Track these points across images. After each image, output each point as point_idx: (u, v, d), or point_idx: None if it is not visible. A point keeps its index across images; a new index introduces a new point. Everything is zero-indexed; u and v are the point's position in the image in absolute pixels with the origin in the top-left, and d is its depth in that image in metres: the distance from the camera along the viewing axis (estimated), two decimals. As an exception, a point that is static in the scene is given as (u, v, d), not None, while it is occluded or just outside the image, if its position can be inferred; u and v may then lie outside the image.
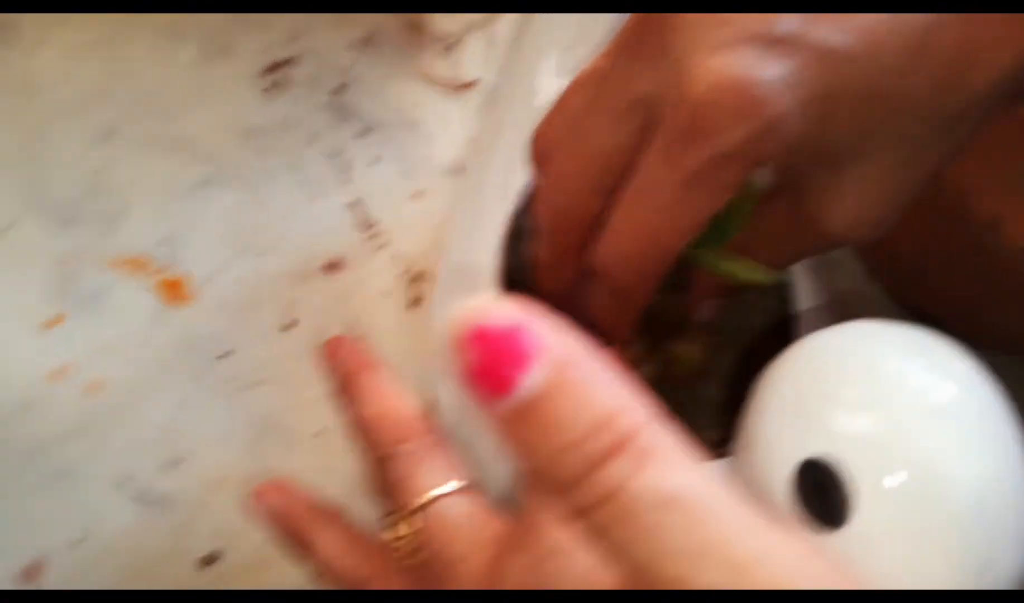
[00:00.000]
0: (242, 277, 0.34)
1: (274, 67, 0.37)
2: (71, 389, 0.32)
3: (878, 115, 0.19)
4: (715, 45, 0.19)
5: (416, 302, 0.34)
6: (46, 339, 0.32)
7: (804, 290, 0.28)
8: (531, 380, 0.13)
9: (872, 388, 0.17)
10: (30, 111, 0.34)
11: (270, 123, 0.36)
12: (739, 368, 0.27)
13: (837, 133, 0.19)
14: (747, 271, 0.22)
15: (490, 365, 0.13)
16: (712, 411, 0.27)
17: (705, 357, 0.26)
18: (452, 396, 0.28)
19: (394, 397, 0.25)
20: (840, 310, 0.28)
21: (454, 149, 0.37)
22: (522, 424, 0.13)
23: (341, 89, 0.37)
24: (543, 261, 0.24)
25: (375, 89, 0.37)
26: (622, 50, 0.21)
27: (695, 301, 0.26)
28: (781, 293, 0.28)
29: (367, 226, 0.35)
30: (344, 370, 0.26)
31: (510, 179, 0.25)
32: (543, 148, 0.23)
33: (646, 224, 0.20)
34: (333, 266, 0.34)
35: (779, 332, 0.27)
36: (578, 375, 0.13)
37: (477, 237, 0.27)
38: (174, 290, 0.33)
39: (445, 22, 0.39)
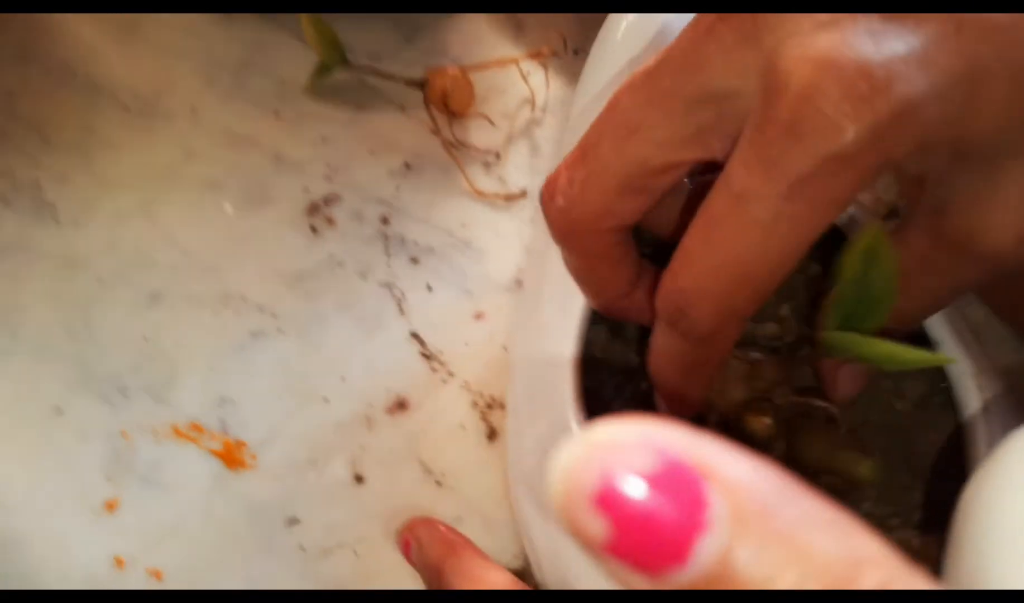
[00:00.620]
0: (303, 432, 0.31)
1: (315, 207, 0.35)
2: (135, 575, 0.29)
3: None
4: (822, 21, 0.15)
5: (494, 434, 0.31)
6: (105, 524, 0.30)
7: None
8: (712, 544, 0.09)
9: None
10: (75, 288, 0.33)
11: (317, 264, 0.34)
12: (909, 479, 0.23)
13: (989, 122, 0.15)
14: (915, 355, 0.17)
15: (640, 534, 0.09)
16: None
17: (871, 466, 0.22)
18: (549, 540, 0.24)
19: (483, 575, 0.21)
20: (999, 376, 0.24)
21: (510, 264, 0.35)
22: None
23: (386, 219, 0.35)
24: (582, 283, 0.20)
25: (421, 214, 0.36)
26: (693, 33, 0.16)
27: (829, 372, 0.21)
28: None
29: (430, 357, 0.33)
30: (426, 562, 0.23)
31: (569, 288, 0.22)
32: (581, 148, 0.18)
33: (731, 249, 0.16)
34: (399, 406, 0.32)
35: (949, 436, 0.22)
36: (779, 521, 0.09)
37: (544, 353, 0.24)
38: (232, 456, 0.31)
39: (484, 137, 0.37)
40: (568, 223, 0.18)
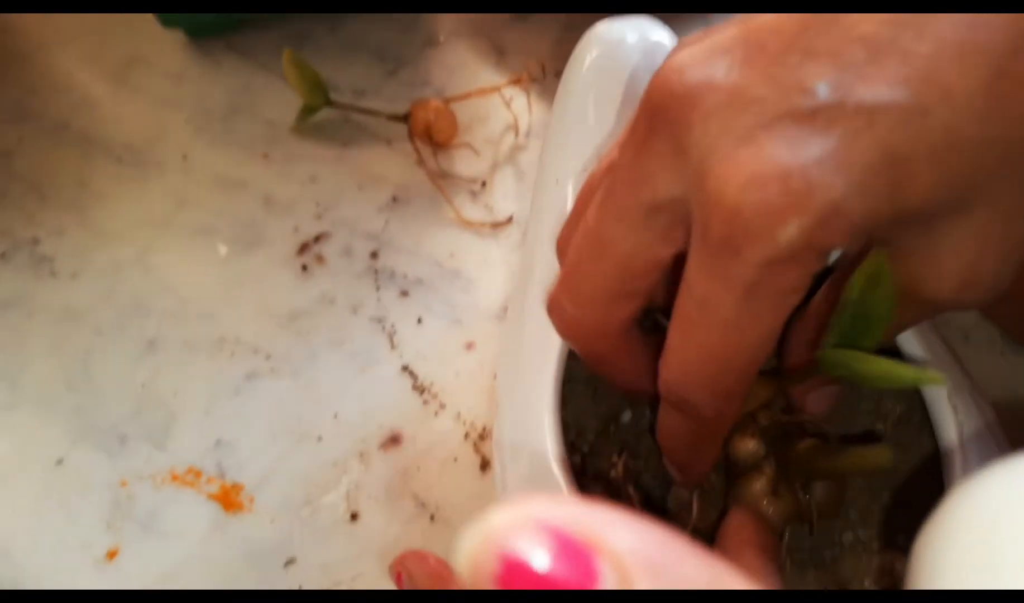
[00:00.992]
0: (298, 472, 0.31)
1: (306, 246, 0.36)
2: (137, 625, 0.29)
3: (968, 167, 0.16)
4: (739, 136, 0.16)
5: (486, 465, 0.31)
6: (107, 573, 0.30)
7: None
8: None
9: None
10: (73, 338, 0.34)
11: (310, 302, 0.35)
12: (887, 506, 0.23)
13: (919, 196, 0.16)
14: (910, 373, 0.17)
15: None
16: (854, 557, 0.22)
17: (837, 487, 0.22)
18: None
19: None
20: (980, 393, 0.23)
21: (499, 291, 0.35)
22: None
23: (376, 254, 0.36)
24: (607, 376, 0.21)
25: (410, 246, 0.36)
26: (634, 146, 0.18)
27: (801, 393, 0.22)
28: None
29: (422, 390, 0.33)
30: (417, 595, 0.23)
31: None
32: (563, 261, 0.20)
33: (707, 346, 0.17)
34: (392, 441, 0.32)
35: (927, 461, 0.22)
36: (664, 582, 0.10)
37: (529, 384, 0.24)
38: (230, 499, 0.31)
39: (469, 165, 0.38)
40: (574, 336, 0.20)
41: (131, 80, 0.40)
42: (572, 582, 0.10)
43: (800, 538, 0.23)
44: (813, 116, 0.15)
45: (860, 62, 0.15)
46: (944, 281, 0.17)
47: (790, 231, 0.15)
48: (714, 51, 0.17)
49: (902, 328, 0.19)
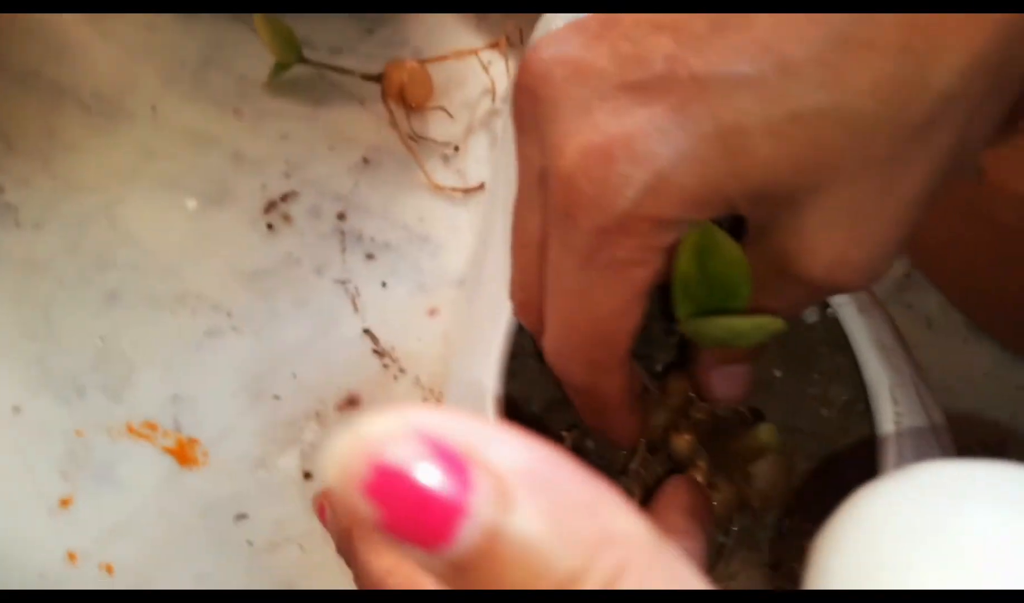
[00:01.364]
0: (255, 429, 0.31)
1: (273, 204, 0.36)
2: (88, 570, 0.30)
3: (811, 140, 0.15)
4: (578, 107, 0.16)
5: (439, 430, 0.31)
6: (60, 520, 0.30)
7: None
8: (476, 523, 0.09)
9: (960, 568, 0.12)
10: (34, 289, 0.34)
11: (274, 262, 0.34)
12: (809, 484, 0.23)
13: (761, 169, 0.16)
14: (753, 327, 0.18)
15: (408, 516, 0.10)
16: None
17: (769, 429, 0.22)
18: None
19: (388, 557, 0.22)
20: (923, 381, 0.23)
21: (467, 258, 0.34)
22: (470, 575, 0.10)
23: (343, 215, 0.35)
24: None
25: (379, 209, 0.36)
26: (516, 125, 0.19)
27: (704, 377, 0.22)
28: (853, 367, 0.23)
29: (382, 354, 0.33)
30: (338, 527, 0.23)
31: (501, 296, 0.22)
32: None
33: (564, 314, 0.18)
34: (350, 403, 0.32)
35: (863, 442, 0.22)
36: (541, 500, 0.10)
37: (478, 354, 0.24)
38: (185, 453, 0.31)
39: (443, 129, 0.37)
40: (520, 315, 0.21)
41: (103, 27, 0.39)
42: (445, 494, 0.09)
43: (744, 526, 0.23)
44: (646, 87, 0.16)
45: (701, 34, 0.15)
46: (815, 260, 0.17)
47: (617, 200, 0.16)
48: (573, 28, 0.17)
49: (794, 307, 0.19)
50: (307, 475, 0.31)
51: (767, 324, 0.17)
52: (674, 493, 0.21)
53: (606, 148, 0.16)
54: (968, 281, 0.30)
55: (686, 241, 0.17)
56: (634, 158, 0.15)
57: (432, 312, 0.34)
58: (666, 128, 0.15)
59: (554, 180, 0.17)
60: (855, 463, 0.23)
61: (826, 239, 0.16)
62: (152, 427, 0.32)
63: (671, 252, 0.17)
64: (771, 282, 0.18)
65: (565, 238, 0.17)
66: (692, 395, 0.23)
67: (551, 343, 0.19)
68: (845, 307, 0.24)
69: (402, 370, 0.32)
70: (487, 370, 0.23)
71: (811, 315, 0.25)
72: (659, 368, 0.24)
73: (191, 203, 0.36)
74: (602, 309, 0.17)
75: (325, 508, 0.23)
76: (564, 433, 0.24)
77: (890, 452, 0.21)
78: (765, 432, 0.21)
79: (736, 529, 0.23)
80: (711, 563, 0.23)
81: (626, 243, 0.16)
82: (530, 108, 0.17)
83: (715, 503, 0.22)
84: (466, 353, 0.25)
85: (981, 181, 0.24)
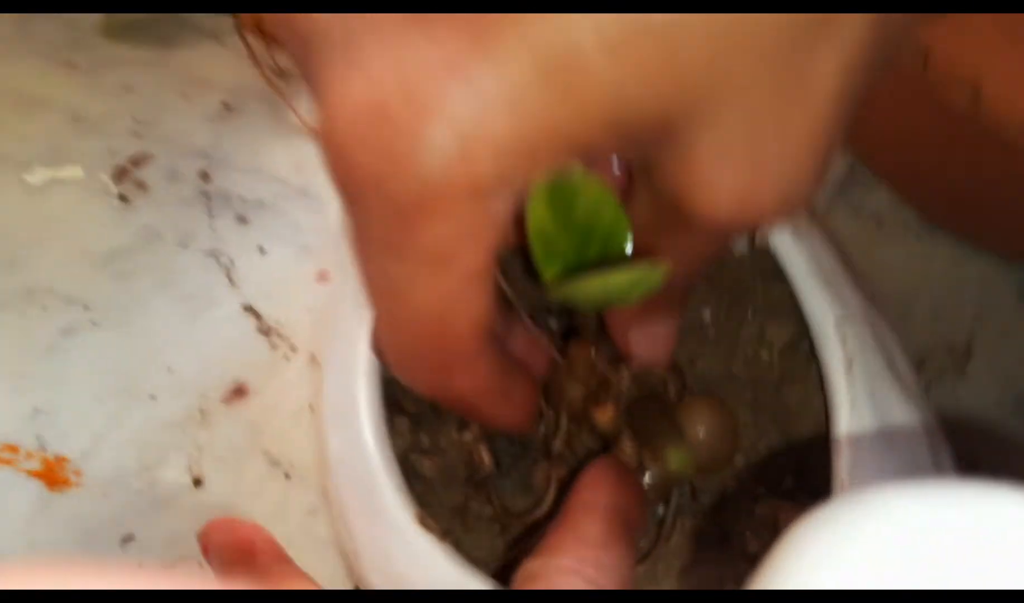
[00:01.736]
0: (130, 437, 0.28)
1: (124, 171, 0.31)
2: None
3: (664, 58, 0.12)
4: (339, 47, 0.12)
5: (340, 413, 0.28)
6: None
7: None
8: None
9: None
10: None
11: (131, 239, 0.30)
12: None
13: (615, 101, 0.12)
14: (631, 282, 0.15)
15: None
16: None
17: (680, 457, 0.19)
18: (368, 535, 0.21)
19: (280, 583, 0.19)
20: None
21: (355, 208, 0.30)
22: None
23: (207, 175, 0.31)
24: None
25: (247, 163, 0.31)
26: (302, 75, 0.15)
27: (621, 340, 0.19)
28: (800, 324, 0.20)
29: (268, 332, 0.29)
30: (223, 571, 0.20)
31: None
32: None
33: (389, 320, 0.15)
34: (237, 393, 0.28)
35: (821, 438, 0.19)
36: None
37: (343, 342, 0.20)
38: (54, 474, 0.27)
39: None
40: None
41: None
42: None
43: (684, 494, 0.20)
44: (434, 14, 0.12)
45: None
46: (717, 197, 0.13)
47: (409, 173, 0.12)
48: None
49: (707, 254, 0.16)
50: (197, 482, 0.27)
51: (646, 275, 0.14)
52: (590, 487, 0.17)
53: (381, 104, 0.12)
54: (918, 173, 0.27)
55: (535, 191, 0.13)
56: (423, 112, 0.12)
57: (321, 276, 0.29)
58: (463, 65, 0.12)
59: (325, 154, 0.13)
60: (806, 410, 0.20)
61: (724, 170, 0.13)
62: (12, 449, 0.28)
63: (511, 218, 0.13)
64: (674, 229, 0.15)
65: (358, 227, 0.13)
66: (595, 363, 0.19)
67: (385, 350, 0.15)
68: (777, 232, 0.20)
69: (293, 348, 0.29)
70: (360, 355, 0.19)
71: (739, 245, 0.21)
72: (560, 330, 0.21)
73: (28, 179, 0.31)
74: (429, 307, 0.14)
75: (208, 548, 0.19)
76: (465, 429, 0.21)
77: (842, 399, 0.18)
78: (676, 459, 0.18)
79: (675, 501, 0.20)
80: (649, 548, 0.20)
81: (435, 227, 0.13)
82: (299, 51, 0.13)
83: (646, 483, 0.19)
84: (335, 337, 0.21)
85: (925, 66, 0.21)
